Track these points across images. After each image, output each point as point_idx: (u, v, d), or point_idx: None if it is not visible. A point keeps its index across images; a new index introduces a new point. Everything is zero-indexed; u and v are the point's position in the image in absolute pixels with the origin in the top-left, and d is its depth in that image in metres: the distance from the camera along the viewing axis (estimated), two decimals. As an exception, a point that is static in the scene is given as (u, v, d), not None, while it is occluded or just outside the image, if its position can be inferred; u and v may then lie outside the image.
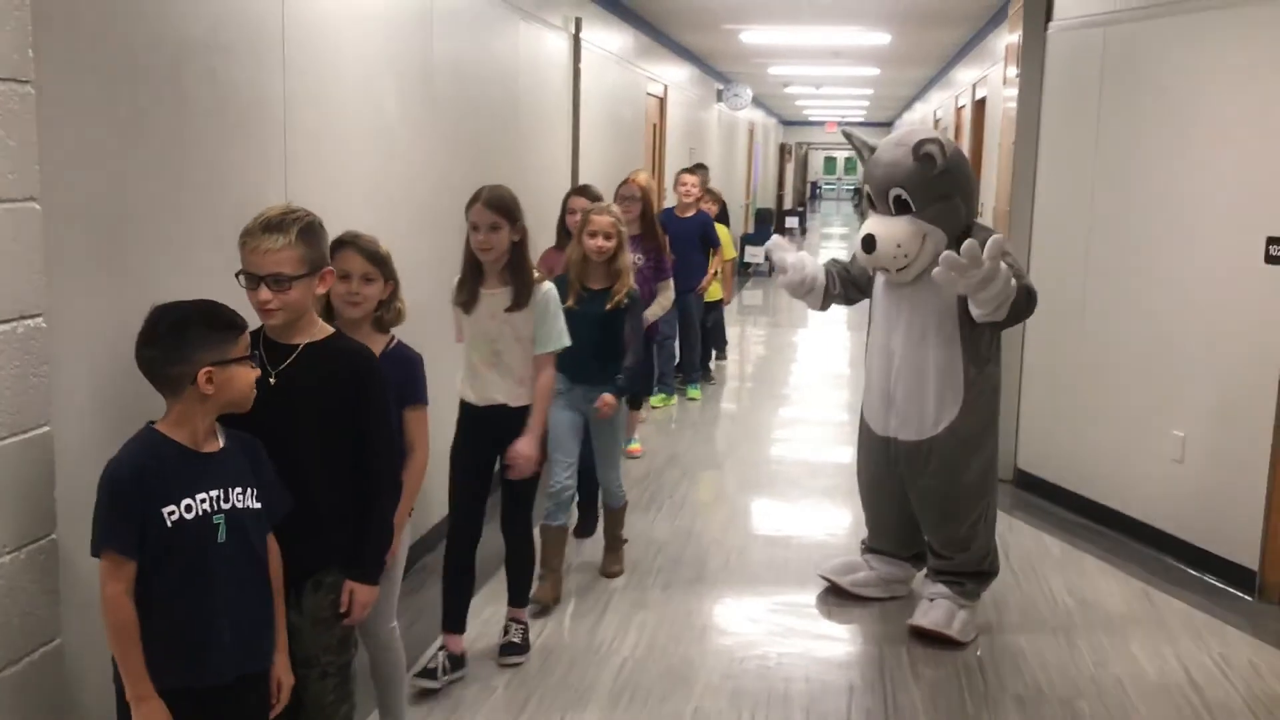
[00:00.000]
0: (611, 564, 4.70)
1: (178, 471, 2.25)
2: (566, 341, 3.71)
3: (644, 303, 5.59)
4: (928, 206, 3.96)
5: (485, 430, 3.68)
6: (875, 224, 4.05)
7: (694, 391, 8.17)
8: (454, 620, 3.73)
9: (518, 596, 3.94)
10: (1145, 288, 5.19)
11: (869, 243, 4.01)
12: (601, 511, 4.78)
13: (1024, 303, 3.83)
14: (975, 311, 3.80)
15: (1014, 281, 3.72)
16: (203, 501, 2.25)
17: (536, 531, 4.13)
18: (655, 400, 7.73)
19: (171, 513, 2.22)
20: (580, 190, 5.21)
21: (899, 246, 3.97)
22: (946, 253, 3.64)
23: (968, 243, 3.57)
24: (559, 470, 4.25)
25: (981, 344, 4.04)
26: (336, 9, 3.84)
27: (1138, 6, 5.26)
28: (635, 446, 6.40)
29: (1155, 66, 5.15)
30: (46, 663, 2.38)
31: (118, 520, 2.20)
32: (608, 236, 4.21)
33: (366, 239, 2.96)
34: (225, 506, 2.28)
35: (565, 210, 5.09)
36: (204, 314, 2.28)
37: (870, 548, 4.53)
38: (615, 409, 4.29)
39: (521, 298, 3.58)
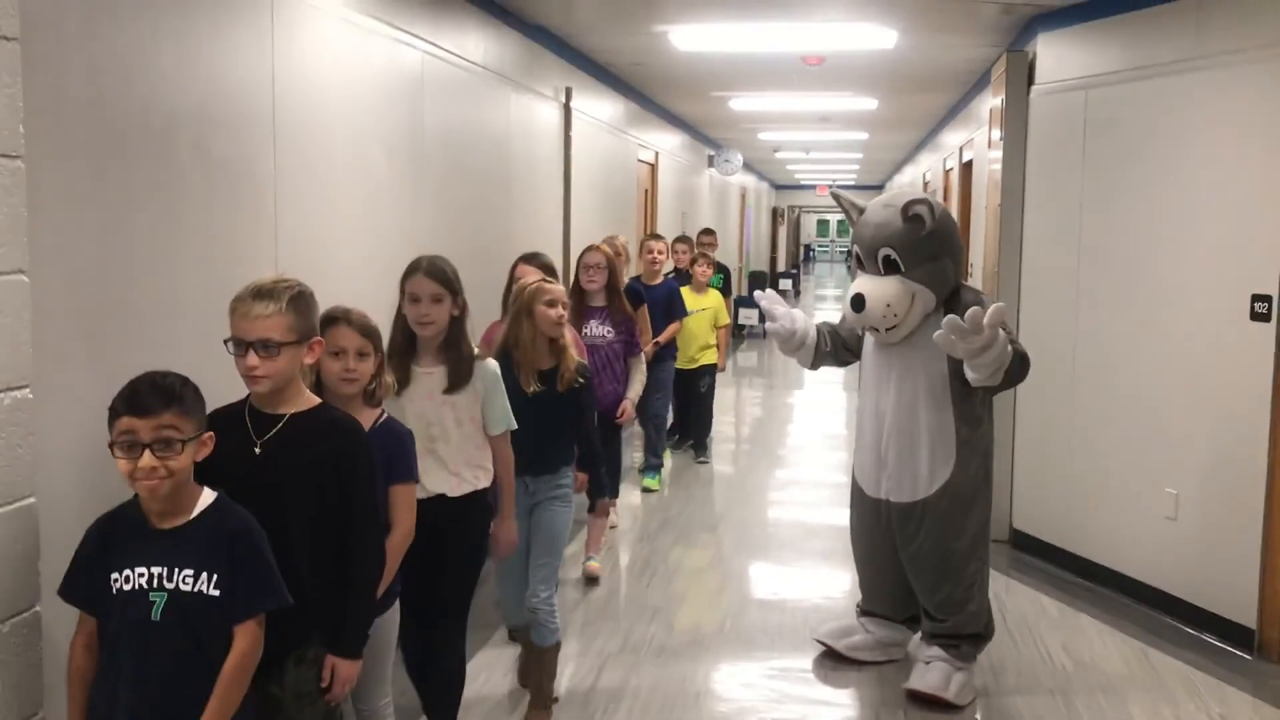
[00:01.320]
0: None
1: (127, 541, 2.28)
2: (514, 423, 3.42)
3: (619, 382, 5.30)
4: (916, 267, 4.00)
5: (424, 522, 3.03)
6: (864, 283, 4.08)
7: (651, 481, 7.26)
8: None
9: None
10: (1134, 346, 5.21)
11: (858, 302, 4.04)
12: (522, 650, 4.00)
13: (1018, 369, 3.82)
14: (970, 376, 3.81)
15: (1010, 348, 3.72)
16: (141, 575, 2.26)
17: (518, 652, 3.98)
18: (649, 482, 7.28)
19: (115, 579, 2.26)
20: (529, 258, 4.60)
21: (888, 306, 3.99)
22: (949, 317, 3.63)
23: (972, 310, 3.56)
24: (526, 581, 3.73)
25: (974, 404, 4.04)
26: (326, 81, 3.90)
27: (1118, 70, 5.35)
28: (594, 564, 5.42)
29: (1137, 128, 5.22)
30: (29, 737, 2.36)
31: (74, 573, 2.31)
32: (565, 305, 3.79)
33: (357, 313, 2.93)
34: (168, 585, 2.26)
35: (512, 279, 4.52)
36: (121, 389, 2.28)
37: (865, 610, 4.50)
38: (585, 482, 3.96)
39: (460, 376, 3.26)
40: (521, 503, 3.67)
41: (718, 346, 8.04)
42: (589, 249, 5.47)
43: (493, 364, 3.40)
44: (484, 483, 3.37)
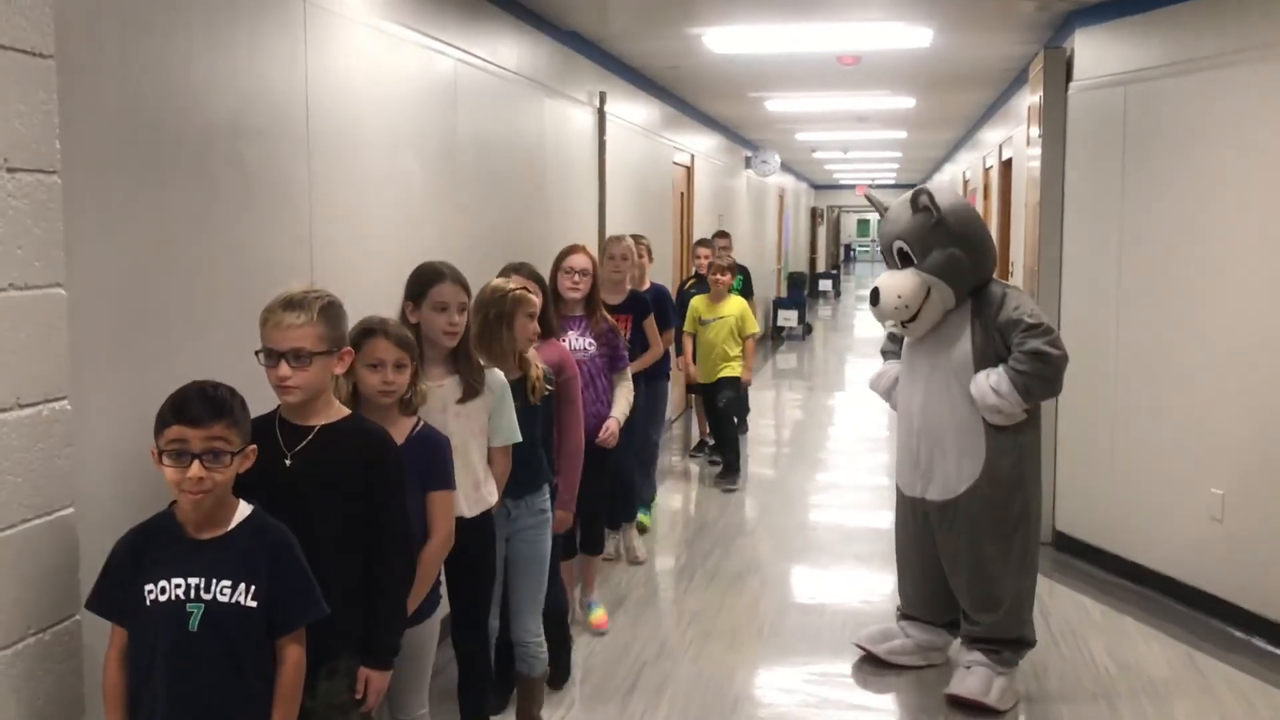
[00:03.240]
0: None
1: (163, 552, 2.29)
2: (519, 435, 3.37)
3: (603, 402, 4.64)
4: (927, 257, 4.03)
5: None
6: (882, 277, 4.17)
7: (643, 516, 6.21)
8: None
9: None
10: (1176, 344, 5.14)
11: (874, 295, 4.12)
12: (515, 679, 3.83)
13: (1039, 389, 3.90)
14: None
15: (1024, 397, 3.89)
16: (178, 586, 2.26)
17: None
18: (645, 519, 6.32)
19: (150, 591, 2.27)
20: (516, 267, 4.15)
21: (900, 298, 4.03)
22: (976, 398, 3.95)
23: (992, 403, 3.90)
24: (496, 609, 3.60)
25: None
26: (360, 90, 3.93)
27: (1157, 65, 5.27)
28: (599, 615, 4.79)
29: (1177, 124, 5.15)
30: (70, 745, 2.39)
31: (105, 585, 2.31)
32: (538, 319, 3.66)
33: (394, 325, 2.94)
34: (205, 597, 2.27)
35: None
36: (170, 396, 2.29)
37: (905, 614, 4.47)
38: (568, 522, 3.80)
39: (476, 383, 3.22)
40: (500, 527, 3.49)
41: (744, 358, 7.35)
42: (572, 250, 4.72)
43: (500, 374, 3.36)
44: (494, 498, 3.34)
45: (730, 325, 7.25)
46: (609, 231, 7.15)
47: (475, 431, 3.26)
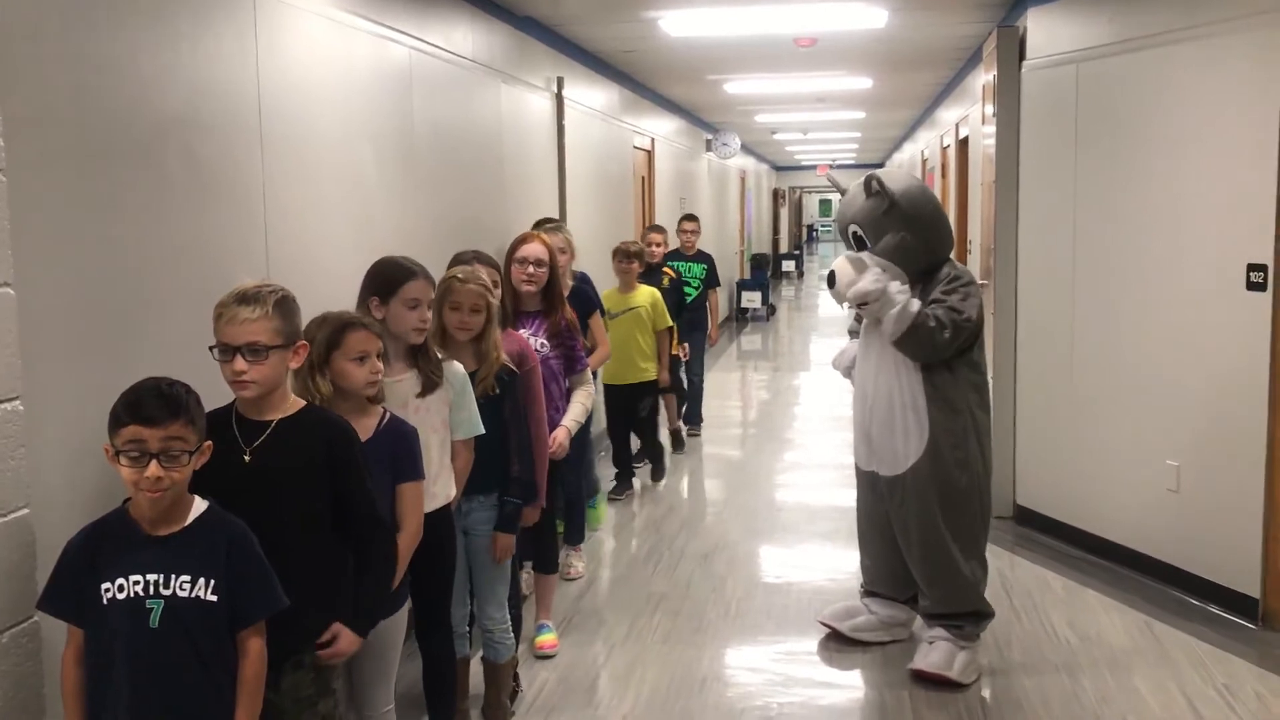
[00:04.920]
0: None
1: (119, 549, 2.28)
2: (481, 427, 3.35)
3: (558, 408, 4.33)
4: (878, 241, 4.09)
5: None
6: (838, 260, 4.22)
7: (596, 515, 6.07)
8: None
9: None
10: (1132, 319, 5.21)
11: (830, 277, 4.18)
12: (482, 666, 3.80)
13: (926, 336, 3.91)
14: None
15: (927, 322, 3.90)
16: (136, 583, 2.25)
17: None
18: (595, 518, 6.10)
19: (107, 589, 2.25)
20: (476, 254, 4.11)
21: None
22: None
23: (896, 309, 3.91)
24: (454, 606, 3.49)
25: (943, 383, 4.04)
26: (312, 80, 3.90)
27: (1108, 43, 5.32)
28: (549, 638, 4.39)
29: (1128, 101, 5.21)
30: (32, 746, 2.38)
31: (57, 585, 2.30)
32: (475, 310, 3.46)
33: (368, 317, 2.97)
34: (165, 592, 2.26)
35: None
36: (124, 394, 2.27)
37: (868, 591, 4.51)
38: (511, 550, 3.60)
39: (435, 376, 3.20)
40: (460, 523, 3.47)
41: (659, 355, 6.63)
42: (525, 239, 4.37)
43: (459, 366, 3.35)
44: (452, 493, 3.32)
45: (639, 317, 6.50)
46: (570, 219, 7.12)
47: (436, 426, 3.24)
